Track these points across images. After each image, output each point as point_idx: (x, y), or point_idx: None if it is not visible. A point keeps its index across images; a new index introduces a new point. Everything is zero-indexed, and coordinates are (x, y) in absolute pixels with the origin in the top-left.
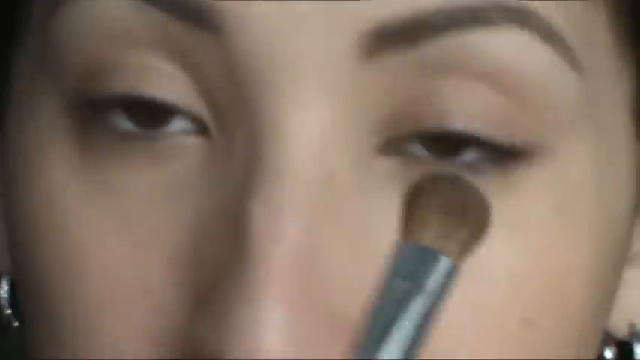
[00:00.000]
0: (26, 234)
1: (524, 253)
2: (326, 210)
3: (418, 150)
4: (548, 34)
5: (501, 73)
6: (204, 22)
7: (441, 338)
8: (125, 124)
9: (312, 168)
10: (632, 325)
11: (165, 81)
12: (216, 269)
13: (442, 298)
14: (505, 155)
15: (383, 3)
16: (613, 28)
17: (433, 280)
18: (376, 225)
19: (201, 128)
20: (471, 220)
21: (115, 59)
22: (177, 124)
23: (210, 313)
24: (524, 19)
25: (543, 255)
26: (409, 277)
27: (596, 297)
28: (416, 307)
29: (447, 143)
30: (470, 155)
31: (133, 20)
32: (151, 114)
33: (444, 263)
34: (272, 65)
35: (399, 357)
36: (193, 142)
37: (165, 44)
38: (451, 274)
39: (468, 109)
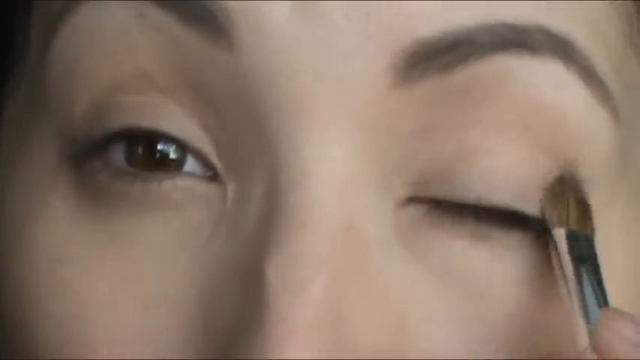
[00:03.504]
0: (21, 294)
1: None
2: (347, 263)
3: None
4: (589, 74)
5: (539, 110)
6: (214, 28)
7: None
8: (129, 167)
9: (334, 219)
10: None
11: (169, 113)
12: (232, 328)
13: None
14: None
15: (421, 17)
16: None
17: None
18: (398, 277)
19: (210, 171)
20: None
21: (115, 90)
22: (189, 166)
23: None
24: (567, 50)
25: None
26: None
27: None
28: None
29: None
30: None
31: (137, 31)
32: (161, 156)
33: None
34: (290, 87)
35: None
36: (203, 188)
37: (171, 58)
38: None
39: (497, 182)
